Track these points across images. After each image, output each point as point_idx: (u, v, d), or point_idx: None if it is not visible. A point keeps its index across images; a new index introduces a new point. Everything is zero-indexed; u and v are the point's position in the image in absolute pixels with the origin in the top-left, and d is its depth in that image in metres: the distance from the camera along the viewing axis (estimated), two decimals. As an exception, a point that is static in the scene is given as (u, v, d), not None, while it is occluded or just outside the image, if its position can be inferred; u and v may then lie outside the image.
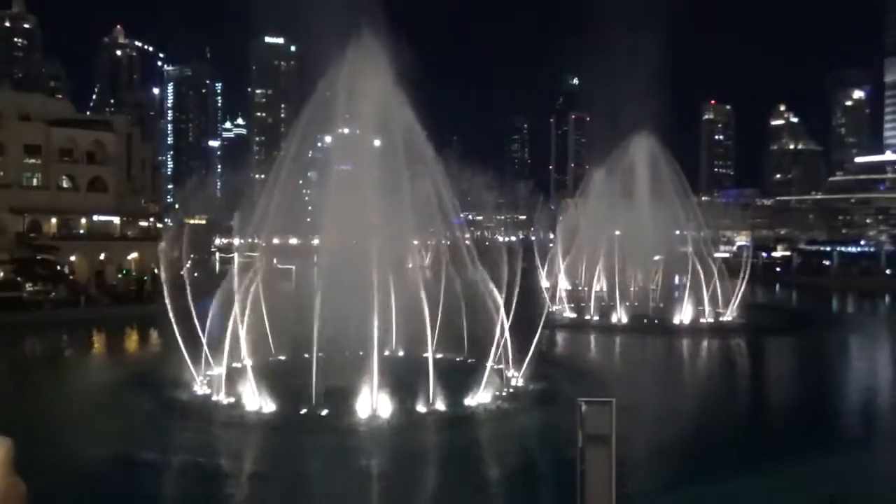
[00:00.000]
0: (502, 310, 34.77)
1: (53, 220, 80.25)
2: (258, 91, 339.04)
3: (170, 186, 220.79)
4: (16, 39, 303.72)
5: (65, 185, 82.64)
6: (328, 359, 32.06)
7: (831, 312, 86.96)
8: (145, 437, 29.05)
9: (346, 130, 42.21)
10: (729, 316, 64.58)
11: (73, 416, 32.51)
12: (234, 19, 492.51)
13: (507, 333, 35.29)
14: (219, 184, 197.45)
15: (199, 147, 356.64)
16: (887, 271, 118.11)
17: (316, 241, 45.63)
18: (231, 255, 50.25)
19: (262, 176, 55.36)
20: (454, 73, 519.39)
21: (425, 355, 32.52)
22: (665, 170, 69.53)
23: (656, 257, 71.14)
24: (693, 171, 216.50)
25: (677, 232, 72.47)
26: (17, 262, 67.87)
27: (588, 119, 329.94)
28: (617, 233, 70.94)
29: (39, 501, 2.95)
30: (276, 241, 47.29)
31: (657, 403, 36.22)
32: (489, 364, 33.77)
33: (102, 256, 78.98)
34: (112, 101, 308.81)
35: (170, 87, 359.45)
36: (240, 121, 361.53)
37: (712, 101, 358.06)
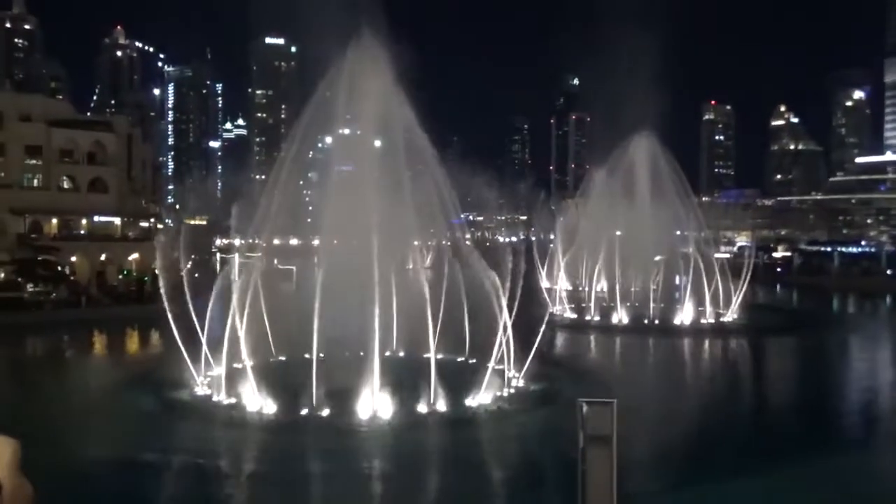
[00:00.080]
0: (505, 310, 34.79)
1: (54, 221, 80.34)
2: (258, 92, 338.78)
3: (170, 187, 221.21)
4: (16, 40, 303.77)
5: (65, 185, 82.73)
6: (329, 359, 32.06)
7: (832, 313, 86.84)
8: (146, 438, 29.05)
9: (346, 131, 42.25)
10: (730, 316, 64.59)
11: (73, 416, 32.47)
12: (235, 20, 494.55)
13: (508, 333, 35.28)
14: (219, 184, 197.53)
15: (200, 148, 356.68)
16: (888, 272, 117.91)
17: (316, 242, 45.66)
18: (231, 255, 50.24)
19: (263, 176, 55.45)
20: (454, 73, 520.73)
21: (426, 356, 32.53)
22: (665, 170, 69.53)
23: (657, 258, 71.04)
24: (693, 172, 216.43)
25: (678, 232, 72.46)
26: (18, 263, 67.88)
27: (588, 119, 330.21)
28: (617, 233, 70.94)
29: (42, 503, 2.94)
30: (276, 241, 47.30)
31: (658, 404, 36.20)
32: (490, 365, 33.78)
33: (103, 257, 78.92)
34: (112, 101, 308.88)
35: (170, 88, 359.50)
36: (240, 121, 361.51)
37: (712, 102, 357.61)
